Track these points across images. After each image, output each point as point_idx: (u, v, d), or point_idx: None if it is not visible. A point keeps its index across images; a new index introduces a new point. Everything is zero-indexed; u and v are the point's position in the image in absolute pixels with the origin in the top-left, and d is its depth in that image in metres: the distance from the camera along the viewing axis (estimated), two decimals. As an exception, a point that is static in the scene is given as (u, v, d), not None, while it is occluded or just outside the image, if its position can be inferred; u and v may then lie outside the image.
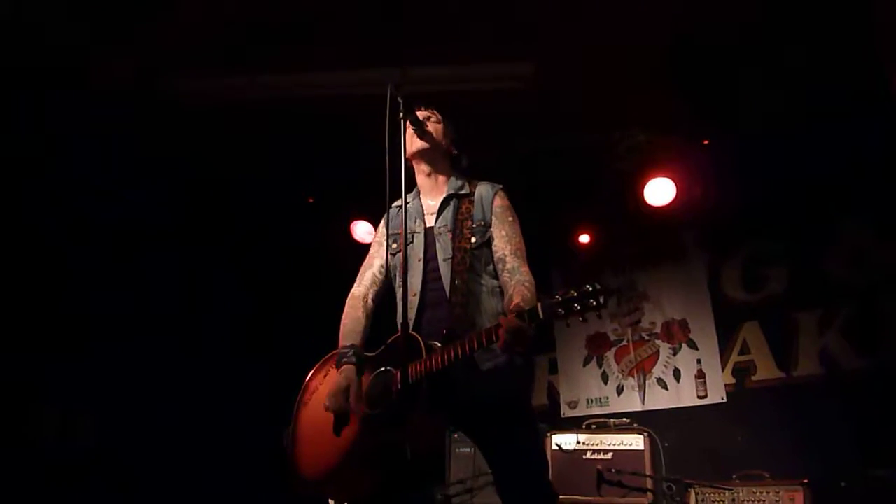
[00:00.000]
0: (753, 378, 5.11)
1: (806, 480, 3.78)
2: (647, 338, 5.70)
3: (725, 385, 5.20)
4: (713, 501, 3.96)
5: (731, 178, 4.92)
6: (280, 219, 5.50)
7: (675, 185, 4.98)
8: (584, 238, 5.73)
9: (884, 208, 4.65)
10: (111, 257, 4.81)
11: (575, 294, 2.03)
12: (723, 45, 3.96)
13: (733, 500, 3.89)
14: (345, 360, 2.48)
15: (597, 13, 3.75)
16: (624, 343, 5.80)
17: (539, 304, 2.08)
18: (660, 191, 5.03)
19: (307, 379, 2.70)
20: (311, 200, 5.56)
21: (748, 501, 3.85)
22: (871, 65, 3.69)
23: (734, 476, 4.08)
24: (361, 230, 5.31)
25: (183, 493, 4.68)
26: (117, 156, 4.53)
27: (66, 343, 4.54)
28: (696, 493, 4.03)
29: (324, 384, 2.60)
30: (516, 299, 2.22)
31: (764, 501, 3.81)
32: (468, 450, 4.59)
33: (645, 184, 5.04)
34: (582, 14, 3.77)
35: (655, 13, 3.77)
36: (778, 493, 3.80)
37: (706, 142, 4.92)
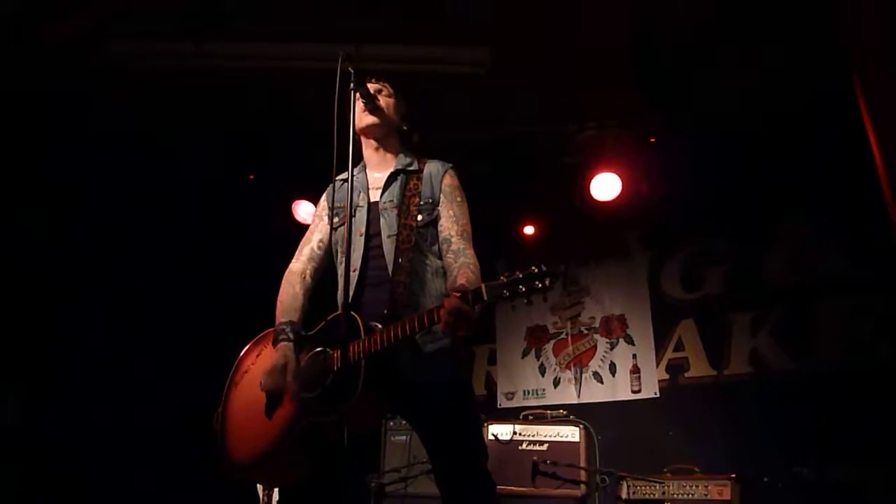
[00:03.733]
0: (686, 375, 5.22)
1: (734, 475, 3.86)
2: (585, 332, 5.74)
3: (659, 381, 5.29)
4: (644, 494, 4.00)
5: (676, 177, 4.99)
6: (219, 195, 5.30)
7: (622, 180, 5.00)
8: (529, 229, 5.74)
9: (821, 213, 4.80)
10: (47, 224, 4.56)
11: (521, 276, 2.00)
12: (680, 41, 3.99)
13: (664, 492, 3.94)
14: (282, 336, 2.36)
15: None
16: (563, 336, 5.83)
17: (483, 285, 2.04)
18: (606, 186, 5.03)
19: (239, 358, 2.58)
20: (251, 177, 5.38)
21: (678, 494, 3.91)
22: (829, 66, 3.77)
23: (665, 469, 4.14)
24: (304, 210, 5.15)
25: (108, 473, 4.50)
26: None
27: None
28: (629, 486, 4.07)
29: (257, 363, 2.48)
30: (460, 281, 2.16)
31: (693, 494, 3.87)
32: (403, 438, 4.52)
33: (591, 178, 5.04)
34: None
35: (615, 5, 3.77)
36: (707, 486, 3.87)
37: (653, 139, 4.97)
